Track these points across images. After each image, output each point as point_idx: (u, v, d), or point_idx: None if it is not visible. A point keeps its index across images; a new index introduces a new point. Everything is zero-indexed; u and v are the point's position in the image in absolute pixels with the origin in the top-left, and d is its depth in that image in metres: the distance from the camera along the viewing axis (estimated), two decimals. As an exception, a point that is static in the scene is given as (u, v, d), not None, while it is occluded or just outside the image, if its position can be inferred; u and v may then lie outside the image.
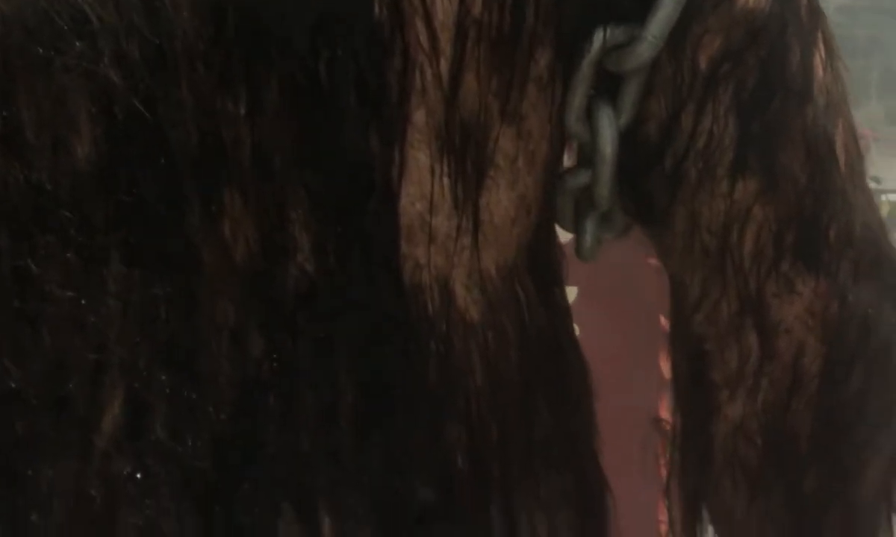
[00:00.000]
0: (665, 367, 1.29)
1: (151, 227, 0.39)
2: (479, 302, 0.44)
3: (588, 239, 0.57)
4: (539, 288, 0.49)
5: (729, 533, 0.55)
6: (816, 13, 0.48)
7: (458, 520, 0.42)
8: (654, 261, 1.40)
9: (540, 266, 0.50)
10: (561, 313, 0.52)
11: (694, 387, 0.52)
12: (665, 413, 1.31)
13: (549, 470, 0.48)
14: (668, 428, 0.56)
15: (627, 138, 0.47)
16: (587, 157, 0.49)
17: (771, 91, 0.46)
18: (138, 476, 0.40)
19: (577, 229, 0.57)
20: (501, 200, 0.44)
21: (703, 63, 0.45)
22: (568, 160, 0.54)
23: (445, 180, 0.42)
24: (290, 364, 0.40)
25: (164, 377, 0.39)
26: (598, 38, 0.44)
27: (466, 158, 0.42)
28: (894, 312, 0.50)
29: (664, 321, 1.30)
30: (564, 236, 0.56)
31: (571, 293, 0.61)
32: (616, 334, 1.35)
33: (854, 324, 0.48)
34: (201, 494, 0.40)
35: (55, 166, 0.38)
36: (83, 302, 0.38)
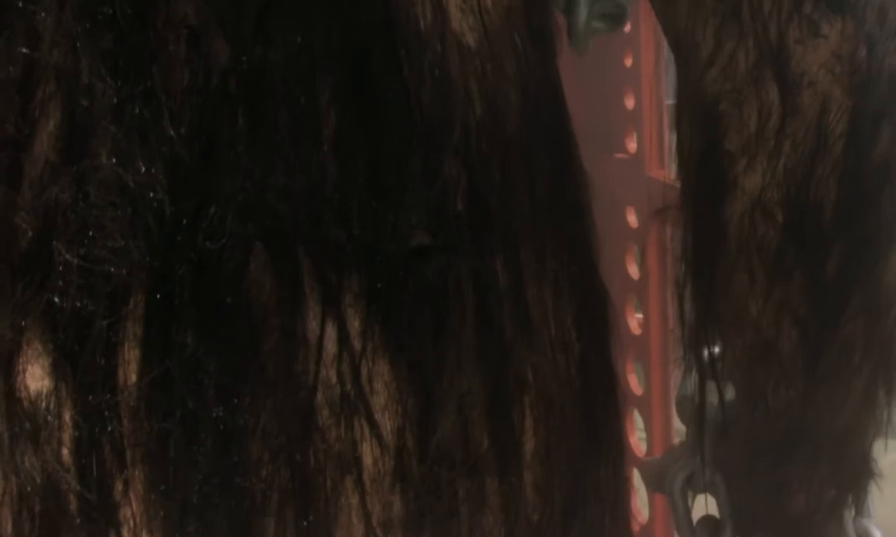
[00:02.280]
0: (632, 268, 1.26)
1: None
2: (476, 30, 0.39)
3: (580, 21, 0.53)
4: (536, 46, 0.44)
5: (742, 337, 0.51)
6: None
7: (456, 268, 0.37)
8: (620, 156, 1.36)
9: (536, 32, 0.45)
10: (558, 83, 0.47)
11: (706, 162, 0.47)
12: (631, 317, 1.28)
13: (554, 238, 0.42)
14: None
15: None
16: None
17: None
18: (78, 205, 0.33)
19: (568, 10, 0.52)
20: None
21: None
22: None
23: None
24: (262, 76, 0.34)
25: (109, 87, 0.33)
26: None
27: None
28: None
29: (631, 219, 1.27)
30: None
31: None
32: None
33: (882, 76, 0.44)
34: (154, 230, 0.34)
35: None
36: None
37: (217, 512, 0.35)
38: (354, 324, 0.35)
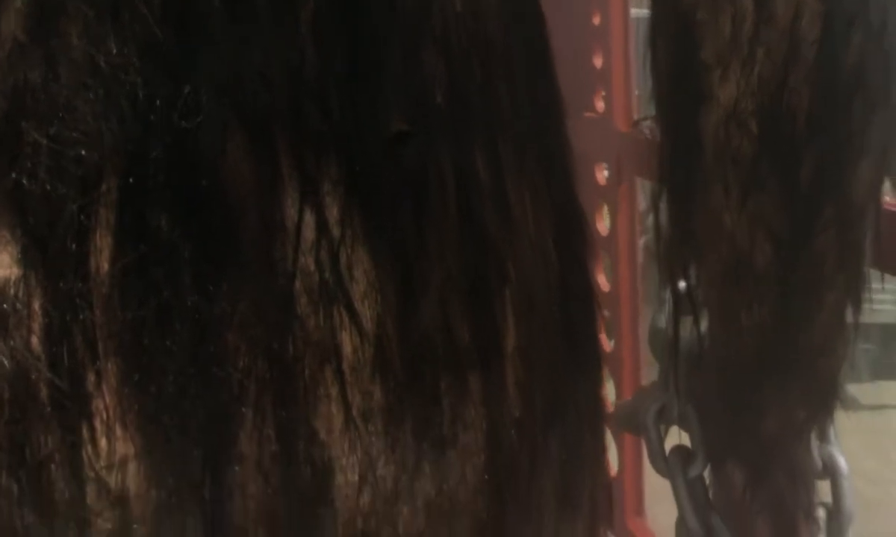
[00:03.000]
0: (601, 226, 1.26)
1: None
2: None
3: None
4: None
5: (717, 252, 0.52)
6: None
7: (436, 156, 0.36)
8: (589, 115, 1.36)
9: None
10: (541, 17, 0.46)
11: (682, 74, 0.47)
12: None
13: (534, 142, 0.42)
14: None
15: None
16: None
17: None
18: (48, 86, 0.32)
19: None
20: None
21: None
22: None
23: None
24: None
25: None
26: None
27: None
28: None
29: (600, 176, 1.27)
30: None
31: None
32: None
33: None
34: (128, 112, 0.33)
35: None
36: None
37: (193, 403, 0.34)
38: (333, 212, 0.35)
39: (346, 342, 0.35)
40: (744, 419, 0.60)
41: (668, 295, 0.70)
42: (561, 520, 0.49)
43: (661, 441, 0.67)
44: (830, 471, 0.67)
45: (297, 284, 0.35)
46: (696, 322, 0.57)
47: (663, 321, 0.69)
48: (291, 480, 0.35)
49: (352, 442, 0.35)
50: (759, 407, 0.59)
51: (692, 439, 0.66)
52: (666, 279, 0.55)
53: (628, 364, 1.12)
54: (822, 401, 0.58)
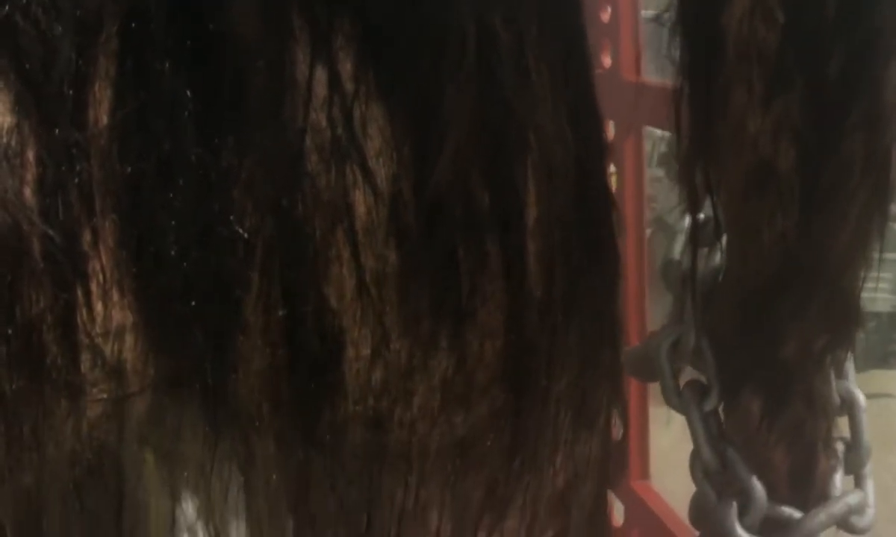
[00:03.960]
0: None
1: None
2: None
3: None
4: None
5: (740, 159, 0.50)
6: None
7: (456, 15, 0.34)
8: (597, 71, 1.33)
9: None
10: None
11: None
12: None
13: (554, 20, 0.40)
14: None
15: None
16: None
17: None
18: None
19: None
20: None
21: None
22: None
23: None
24: None
25: None
26: None
27: None
28: None
29: (608, 133, 1.24)
30: None
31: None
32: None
33: None
34: None
35: None
36: None
37: (195, 266, 0.32)
38: (347, 67, 0.33)
39: (360, 202, 0.33)
40: (762, 346, 0.58)
41: (684, 221, 0.68)
42: (577, 434, 0.48)
43: (675, 377, 0.65)
44: (848, 406, 0.65)
45: (308, 141, 0.33)
46: (717, 234, 0.54)
47: (677, 253, 0.67)
48: (299, 352, 0.34)
49: (364, 310, 0.33)
50: (779, 332, 0.57)
51: (707, 373, 0.64)
52: (685, 193, 0.53)
53: (634, 319, 1.10)
54: (842, 324, 0.56)
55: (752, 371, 0.61)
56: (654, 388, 0.82)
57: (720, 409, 0.66)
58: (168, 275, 0.32)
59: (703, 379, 0.67)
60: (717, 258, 0.70)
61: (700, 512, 0.75)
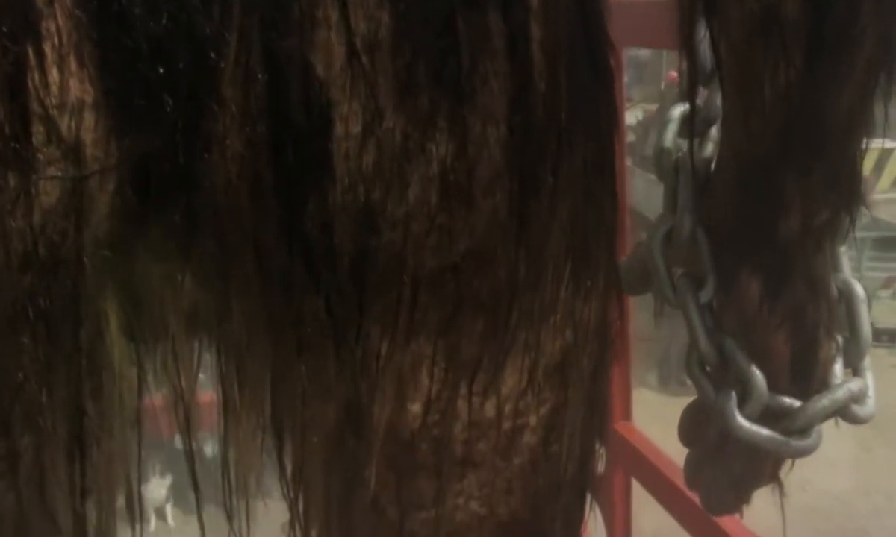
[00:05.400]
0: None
1: None
2: None
3: None
4: None
5: (743, 3, 0.47)
6: None
7: None
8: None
9: None
10: None
11: None
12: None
13: None
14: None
15: None
16: None
17: None
18: None
19: None
20: None
21: None
22: None
23: None
24: None
25: None
26: None
27: None
28: None
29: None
30: None
31: None
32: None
33: None
34: None
35: None
36: None
37: (164, 26, 0.29)
38: None
39: None
40: (762, 225, 0.56)
41: (676, 110, 0.66)
42: (577, 288, 0.45)
43: (668, 268, 0.63)
44: (846, 297, 0.63)
45: None
46: (718, 77, 0.51)
47: (669, 140, 0.64)
48: (281, 128, 0.30)
49: (354, 81, 0.30)
50: (780, 206, 0.55)
51: (702, 263, 0.62)
52: (683, 46, 0.50)
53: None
54: (845, 194, 0.54)
55: (750, 254, 0.58)
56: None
57: (715, 305, 0.63)
58: (133, 38, 0.28)
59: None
60: (710, 149, 0.68)
61: (692, 423, 0.72)
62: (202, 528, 0.51)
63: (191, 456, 0.44)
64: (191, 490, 0.48)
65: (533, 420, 0.48)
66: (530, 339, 0.44)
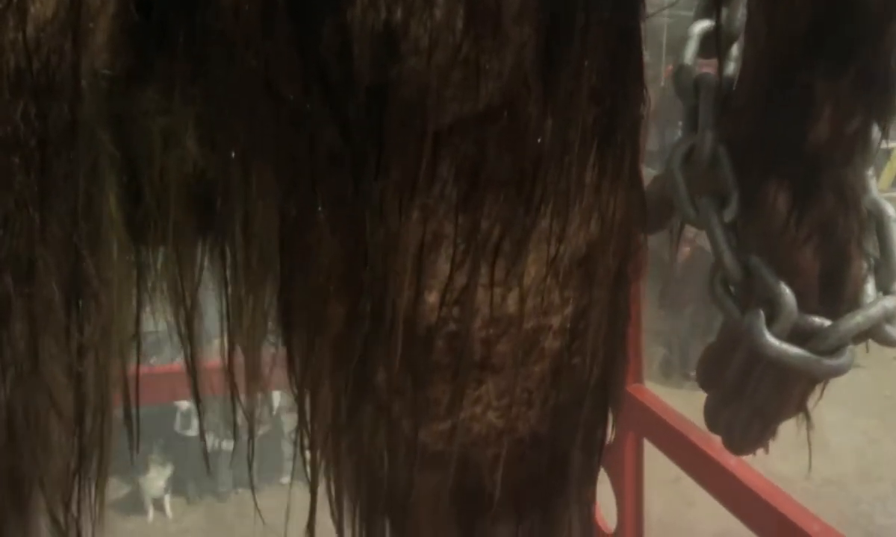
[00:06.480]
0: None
1: None
2: None
3: None
4: None
5: None
6: None
7: None
8: None
9: None
10: None
11: None
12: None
13: None
14: None
15: None
16: None
17: None
18: None
19: None
20: None
21: None
22: None
23: None
24: None
25: None
26: None
27: None
28: None
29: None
30: None
31: None
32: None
33: None
34: None
35: None
36: None
37: None
38: None
39: None
40: (789, 132, 0.53)
41: (695, 27, 0.63)
42: (602, 173, 0.42)
43: (690, 187, 0.60)
44: (876, 217, 0.60)
45: None
46: None
47: (689, 57, 0.62)
48: None
49: None
50: (808, 110, 0.52)
51: (725, 181, 0.59)
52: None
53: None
54: (877, 97, 0.52)
55: (776, 167, 0.56)
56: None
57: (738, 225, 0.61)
58: None
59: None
60: (731, 67, 0.66)
61: (713, 361, 0.69)
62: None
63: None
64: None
65: (556, 321, 0.45)
66: (555, 225, 0.41)
